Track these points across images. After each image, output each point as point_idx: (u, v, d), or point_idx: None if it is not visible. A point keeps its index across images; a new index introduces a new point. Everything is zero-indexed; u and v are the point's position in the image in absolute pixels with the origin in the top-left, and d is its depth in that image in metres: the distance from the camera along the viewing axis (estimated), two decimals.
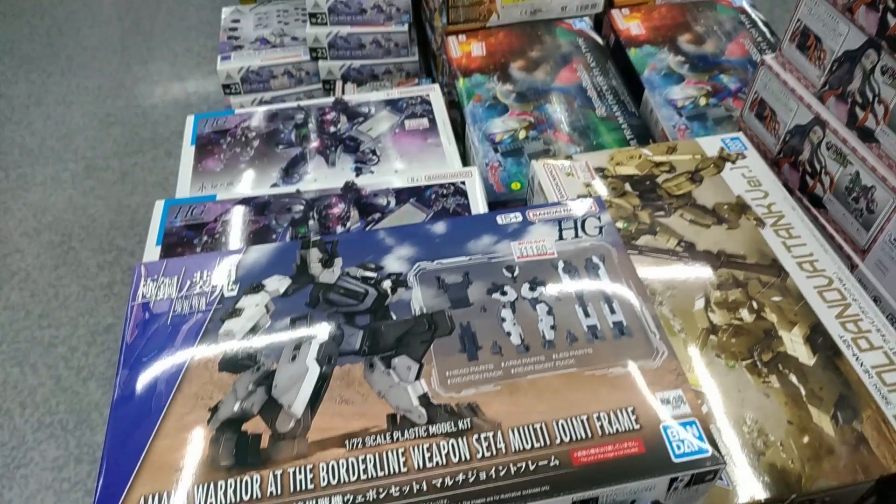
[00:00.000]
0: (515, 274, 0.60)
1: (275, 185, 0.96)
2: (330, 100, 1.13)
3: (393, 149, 1.03)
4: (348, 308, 0.58)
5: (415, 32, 1.51)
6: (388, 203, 0.90)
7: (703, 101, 1.09)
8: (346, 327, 0.56)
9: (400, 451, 0.49)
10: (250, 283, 0.59)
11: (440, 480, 0.48)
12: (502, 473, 0.48)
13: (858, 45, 0.73)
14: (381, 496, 0.47)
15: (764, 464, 0.59)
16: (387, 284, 0.59)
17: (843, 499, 0.60)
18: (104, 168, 2.32)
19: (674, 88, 1.13)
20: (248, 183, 0.95)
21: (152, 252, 0.83)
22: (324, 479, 0.47)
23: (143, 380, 0.52)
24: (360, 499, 0.47)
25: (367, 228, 0.82)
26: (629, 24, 1.27)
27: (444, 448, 0.49)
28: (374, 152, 1.04)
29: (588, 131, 1.06)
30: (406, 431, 0.50)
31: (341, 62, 1.50)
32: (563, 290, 0.59)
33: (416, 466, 0.48)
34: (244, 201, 0.90)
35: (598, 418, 0.51)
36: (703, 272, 0.73)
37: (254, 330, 0.56)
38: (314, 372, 0.53)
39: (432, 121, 1.08)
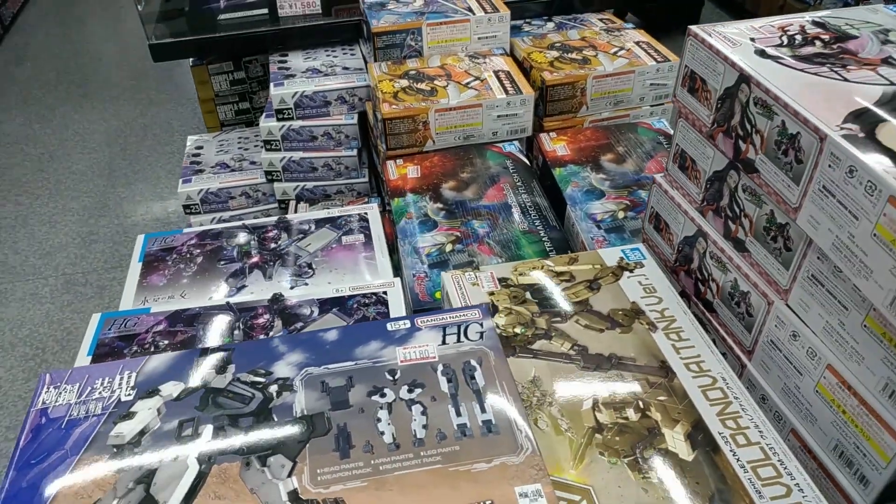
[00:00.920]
0: (397, 377, 0.65)
1: (210, 298, 1.01)
2: (274, 219, 1.21)
3: (328, 263, 1.09)
4: (234, 410, 0.61)
5: (365, 156, 1.61)
6: (312, 313, 0.95)
7: (621, 215, 1.17)
8: (229, 429, 0.60)
9: None
10: (147, 388, 0.63)
11: None
12: None
13: (723, 166, 0.81)
14: None
15: None
16: (273, 389, 0.63)
17: None
18: (83, 283, 2.38)
19: (594, 203, 1.21)
20: (189, 296, 1.00)
21: (83, 362, 0.87)
22: None
23: (30, 481, 0.55)
24: None
25: None
26: (556, 146, 1.37)
27: None
28: (310, 266, 1.10)
29: (510, 244, 1.13)
30: None
31: (295, 184, 1.59)
32: (440, 391, 0.63)
33: None
34: (176, 313, 0.95)
35: None
36: (593, 374, 0.78)
37: (142, 432, 0.59)
38: (193, 470, 0.56)
39: (368, 236, 1.15)
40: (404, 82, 1.43)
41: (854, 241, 0.62)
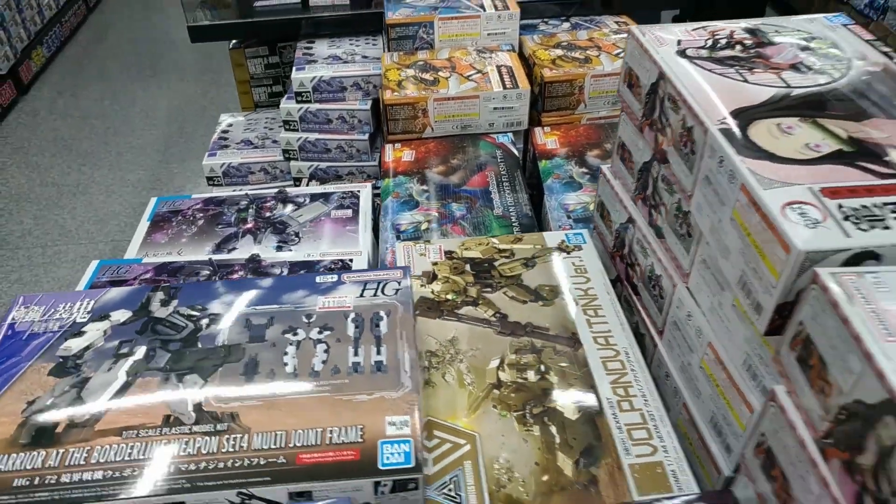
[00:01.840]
0: (312, 320, 0.74)
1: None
2: (274, 191, 1.32)
3: (314, 233, 1.20)
4: (167, 336, 0.72)
5: (380, 140, 1.71)
6: (281, 272, 1.05)
7: (591, 207, 1.23)
8: (159, 349, 0.70)
9: (164, 441, 0.62)
10: (100, 314, 0.75)
11: (186, 465, 0.60)
12: (236, 465, 0.61)
13: (649, 157, 0.87)
14: (135, 473, 0.60)
15: (502, 495, 0.69)
16: (204, 322, 0.74)
17: None
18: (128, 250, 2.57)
19: (570, 195, 1.28)
20: (184, 253, 1.12)
21: None
22: (94, 458, 0.61)
23: None
24: (116, 474, 0.59)
25: None
26: (547, 139, 1.44)
27: (199, 442, 0.62)
28: (297, 234, 1.21)
29: (482, 226, 1.21)
30: (174, 428, 0.63)
31: (309, 163, 1.70)
32: (345, 334, 0.73)
33: (172, 454, 0.61)
34: (163, 265, 1.07)
35: (331, 432, 0.63)
36: (507, 339, 0.85)
37: (87, 348, 0.71)
38: (121, 380, 0.67)
39: (356, 212, 1.25)
40: (411, 72, 1.53)
41: (721, 225, 0.68)
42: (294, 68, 1.67)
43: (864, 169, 0.62)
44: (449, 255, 0.99)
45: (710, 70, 0.78)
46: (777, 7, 3.84)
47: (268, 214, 1.27)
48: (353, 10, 1.85)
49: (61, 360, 0.70)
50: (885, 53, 0.78)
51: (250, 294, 0.78)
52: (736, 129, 0.67)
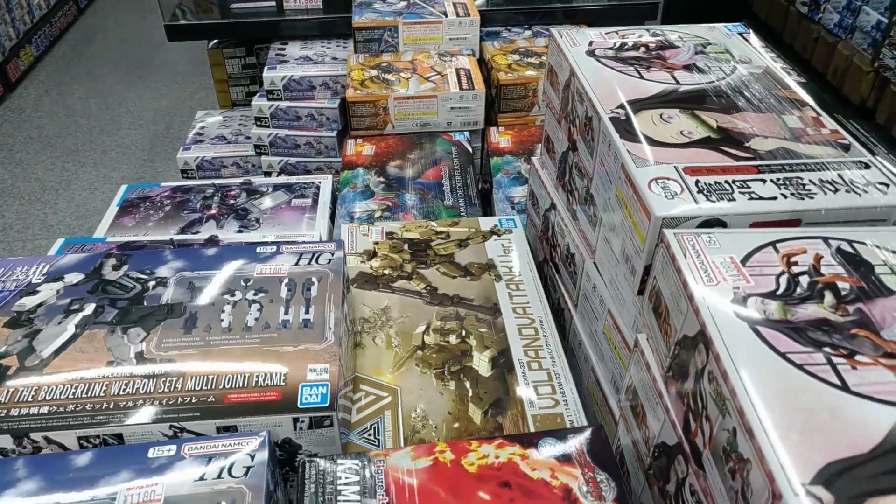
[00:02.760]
0: (249, 284, 0.82)
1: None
2: (239, 180, 1.40)
3: (274, 219, 1.27)
4: (116, 296, 0.80)
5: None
6: None
7: None
8: (107, 307, 0.78)
9: (105, 382, 0.70)
10: (54, 276, 0.83)
11: (124, 402, 0.68)
12: (169, 403, 0.69)
13: (566, 147, 0.96)
14: (77, 408, 0.68)
15: (416, 439, 0.77)
16: (151, 283, 0.82)
17: None
18: None
19: (517, 189, 1.37)
20: (150, 236, 1.20)
21: None
22: (41, 395, 0.68)
23: None
24: (61, 409, 0.67)
25: None
26: (501, 138, 1.53)
27: (137, 383, 0.70)
28: (257, 220, 1.29)
29: (431, 215, 1.29)
30: (115, 371, 0.71)
31: (280, 158, 1.79)
32: (278, 296, 0.81)
33: (111, 392, 0.69)
34: (126, 244, 1.15)
35: (258, 376, 0.71)
36: (434, 308, 0.93)
37: (41, 304, 0.79)
38: (69, 332, 0.75)
39: (316, 201, 1.33)
40: (374, 72, 1.61)
41: (609, 202, 0.77)
42: (266, 68, 1.76)
43: (725, 153, 0.71)
44: (390, 235, 1.07)
45: (612, 67, 0.87)
46: (756, 28, 3.96)
47: (231, 202, 1.34)
48: (326, 15, 1.94)
49: (16, 314, 0.77)
50: (771, 59, 0.88)
51: (195, 261, 0.86)
52: (624, 118, 0.76)
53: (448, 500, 0.60)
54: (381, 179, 1.40)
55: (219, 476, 0.63)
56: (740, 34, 0.94)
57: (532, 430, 0.78)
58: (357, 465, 0.64)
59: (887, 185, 0.67)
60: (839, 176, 0.68)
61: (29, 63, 3.85)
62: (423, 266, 1.01)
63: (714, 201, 0.65)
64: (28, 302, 0.79)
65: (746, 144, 0.72)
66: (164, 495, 0.61)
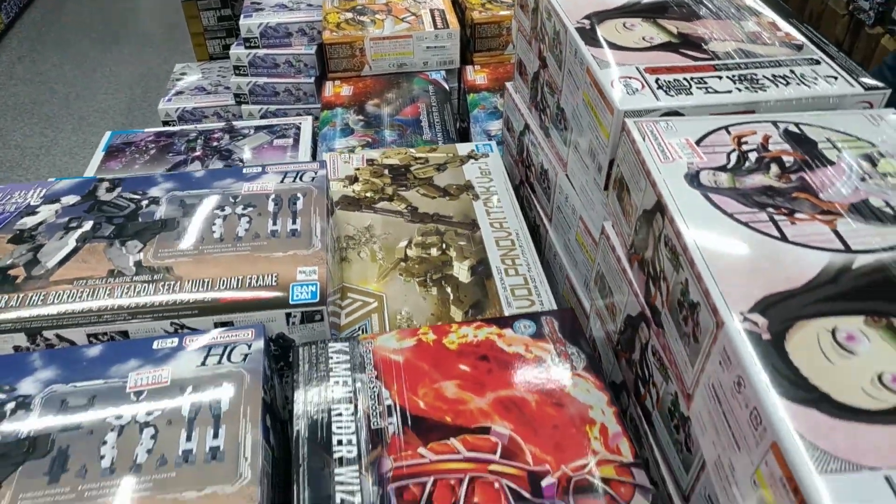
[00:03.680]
0: (237, 201, 0.86)
1: None
2: (221, 124, 1.43)
3: (257, 159, 1.31)
4: (111, 214, 0.84)
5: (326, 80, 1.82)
6: None
7: None
8: (104, 224, 0.82)
9: (108, 287, 0.74)
10: (52, 198, 0.87)
11: (127, 304, 0.73)
12: (170, 302, 0.73)
13: (537, 67, 1.00)
14: (84, 309, 0.72)
15: None
16: (144, 202, 0.86)
17: None
18: None
19: (493, 122, 1.41)
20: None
21: None
22: (50, 299, 0.73)
23: None
24: (70, 310, 0.72)
25: None
26: (477, 76, 1.56)
27: (137, 288, 0.74)
28: (241, 160, 1.32)
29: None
30: (117, 279, 0.76)
31: (259, 106, 1.81)
32: (266, 210, 0.85)
33: (115, 295, 0.73)
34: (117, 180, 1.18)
35: (251, 278, 0.75)
36: (414, 225, 0.98)
37: (41, 223, 0.82)
38: (71, 245, 0.79)
39: (297, 141, 1.36)
40: (349, 14, 1.64)
41: (577, 108, 0.82)
42: (242, 16, 1.77)
43: (684, 55, 0.76)
44: (370, 162, 1.11)
45: None
46: None
47: (215, 144, 1.37)
48: None
49: (18, 231, 0.81)
50: None
51: (185, 183, 0.90)
52: (589, 28, 0.81)
53: (431, 373, 0.66)
54: (360, 117, 1.44)
55: (219, 362, 0.68)
56: None
57: None
58: (347, 346, 0.69)
59: (835, 78, 0.73)
60: (791, 71, 0.73)
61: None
62: (403, 188, 1.05)
63: (673, 95, 0.69)
64: (29, 221, 0.83)
65: (705, 47, 0.77)
66: (170, 378, 0.66)
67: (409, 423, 0.61)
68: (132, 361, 0.68)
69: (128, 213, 0.85)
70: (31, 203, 0.86)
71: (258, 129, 1.41)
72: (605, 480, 0.56)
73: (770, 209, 0.56)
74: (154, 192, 0.88)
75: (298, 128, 1.41)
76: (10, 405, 0.64)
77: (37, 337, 0.71)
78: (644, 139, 0.64)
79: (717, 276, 0.50)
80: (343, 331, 0.84)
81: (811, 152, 0.62)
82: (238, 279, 0.76)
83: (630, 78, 0.72)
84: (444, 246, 0.95)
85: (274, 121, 1.44)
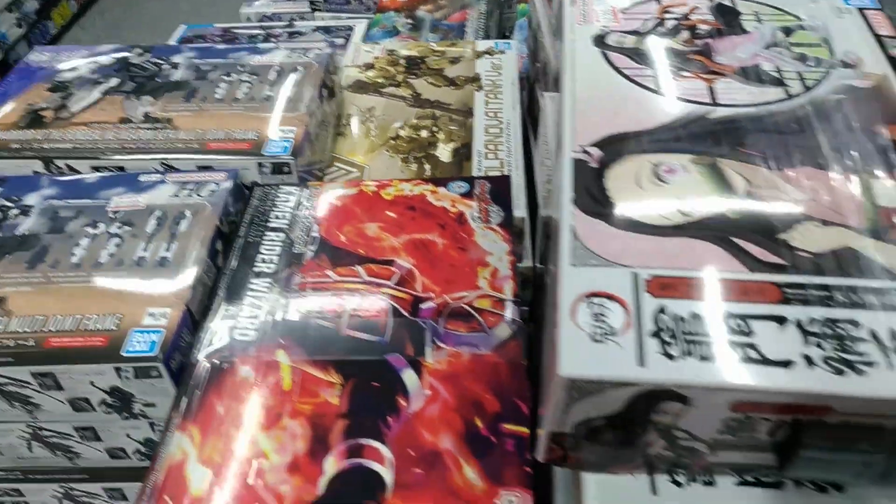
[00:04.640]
0: (244, 70, 0.95)
1: None
2: (284, 23, 1.53)
3: None
4: (136, 74, 0.96)
5: None
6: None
7: None
8: (128, 81, 0.94)
9: (116, 131, 0.86)
10: (92, 59, 0.99)
11: (128, 145, 0.84)
12: (162, 147, 0.84)
13: None
14: (93, 146, 0.84)
15: None
16: (166, 67, 0.97)
17: None
18: None
19: None
20: None
21: None
22: (67, 137, 0.85)
23: None
24: (81, 146, 0.84)
25: None
26: None
27: (139, 133, 0.85)
28: None
29: None
30: (125, 125, 0.87)
31: (332, 13, 1.90)
32: (267, 79, 0.93)
33: (120, 137, 0.85)
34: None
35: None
36: (414, 110, 1.04)
37: (78, 77, 0.95)
38: (96, 96, 0.91)
39: (347, 40, 1.44)
40: None
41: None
42: None
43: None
44: (391, 52, 1.17)
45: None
46: None
47: (273, 40, 1.48)
48: None
49: (58, 82, 0.94)
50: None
51: (206, 53, 1.00)
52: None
53: (361, 215, 0.73)
54: (409, 20, 1.49)
55: (189, 195, 0.78)
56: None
57: None
58: (297, 190, 0.77)
59: None
60: None
61: None
62: (413, 77, 1.11)
63: None
64: (68, 75, 0.96)
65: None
66: (146, 203, 0.77)
67: (327, 251, 0.69)
68: (119, 189, 0.79)
69: (149, 74, 0.96)
70: (76, 64, 0.99)
71: (317, 28, 1.50)
72: (479, 310, 0.62)
73: (660, 67, 0.58)
74: (176, 58, 0.99)
75: (351, 29, 1.49)
76: (15, 211, 0.76)
77: (50, 165, 0.83)
78: (573, 4, 0.66)
79: (577, 115, 0.53)
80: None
81: (731, 22, 0.62)
82: (225, 132, 0.85)
83: None
84: (434, 129, 1.00)
85: (331, 23, 1.52)
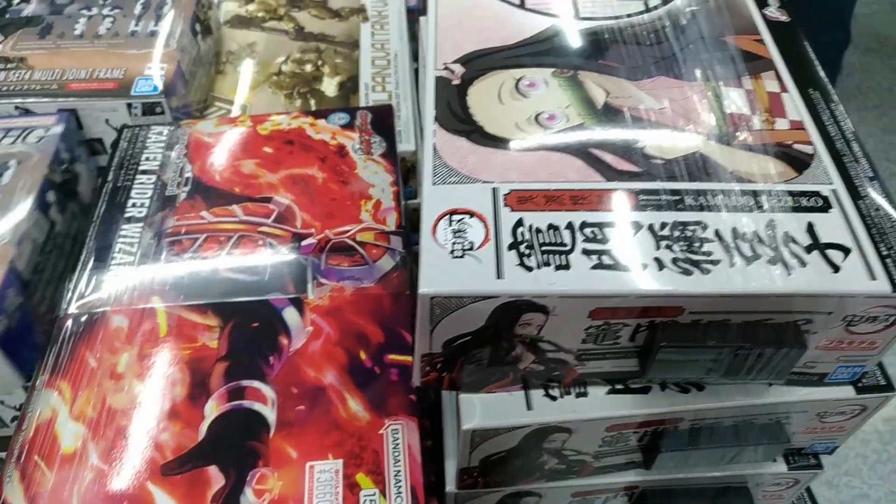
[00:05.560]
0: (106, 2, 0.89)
1: None
2: None
3: None
4: None
5: None
6: None
7: None
8: None
9: None
10: None
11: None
12: (17, 87, 0.77)
13: None
14: None
15: None
16: (16, 0, 0.89)
17: None
18: None
19: None
20: None
21: None
22: None
23: None
24: None
25: None
26: None
27: None
28: None
29: None
30: None
31: None
32: (132, 13, 0.87)
33: None
34: None
35: (100, 72, 0.79)
36: (297, 44, 1.00)
37: None
38: None
39: None
40: None
41: None
42: None
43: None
44: None
45: None
46: None
47: None
48: None
49: None
50: None
51: None
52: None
53: (236, 152, 0.69)
54: None
55: (12, 143, 0.72)
56: None
57: None
58: (167, 129, 0.73)
59: None
60: None
61: None
62: (296, 10, 1.06)
63: None
64: None
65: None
66: None
67: (201, 191, 0.66)
68: None
69: None
70: None
71: None
72: (361, 243, 0.61)
73: None
74: None
75: None
76: None
77: None
78: None
79: (440, 32, 0.52)
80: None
81: None
82: (87, 71, 0.79)
83: None
84: (319, 63, 0.97)
85: None
